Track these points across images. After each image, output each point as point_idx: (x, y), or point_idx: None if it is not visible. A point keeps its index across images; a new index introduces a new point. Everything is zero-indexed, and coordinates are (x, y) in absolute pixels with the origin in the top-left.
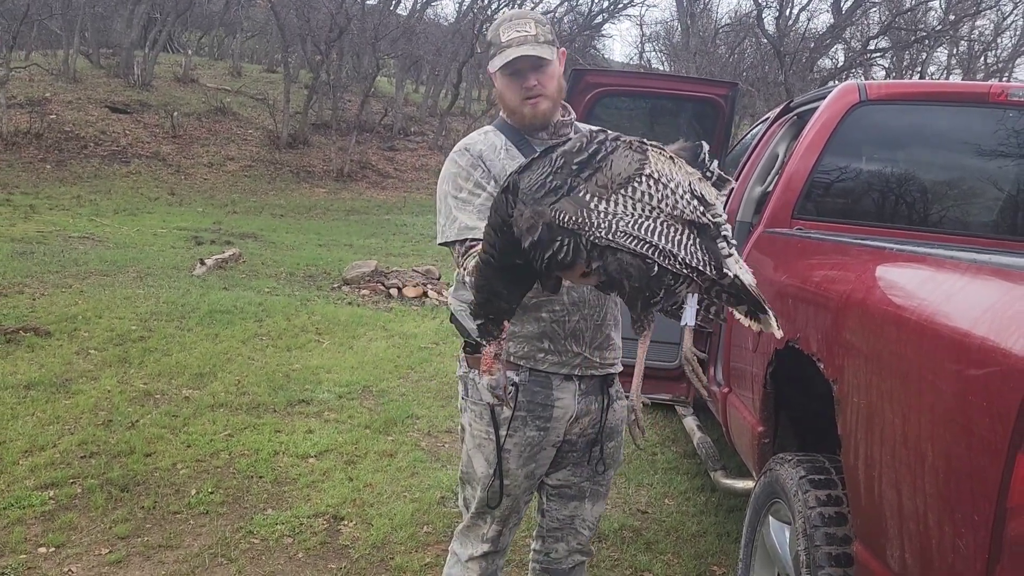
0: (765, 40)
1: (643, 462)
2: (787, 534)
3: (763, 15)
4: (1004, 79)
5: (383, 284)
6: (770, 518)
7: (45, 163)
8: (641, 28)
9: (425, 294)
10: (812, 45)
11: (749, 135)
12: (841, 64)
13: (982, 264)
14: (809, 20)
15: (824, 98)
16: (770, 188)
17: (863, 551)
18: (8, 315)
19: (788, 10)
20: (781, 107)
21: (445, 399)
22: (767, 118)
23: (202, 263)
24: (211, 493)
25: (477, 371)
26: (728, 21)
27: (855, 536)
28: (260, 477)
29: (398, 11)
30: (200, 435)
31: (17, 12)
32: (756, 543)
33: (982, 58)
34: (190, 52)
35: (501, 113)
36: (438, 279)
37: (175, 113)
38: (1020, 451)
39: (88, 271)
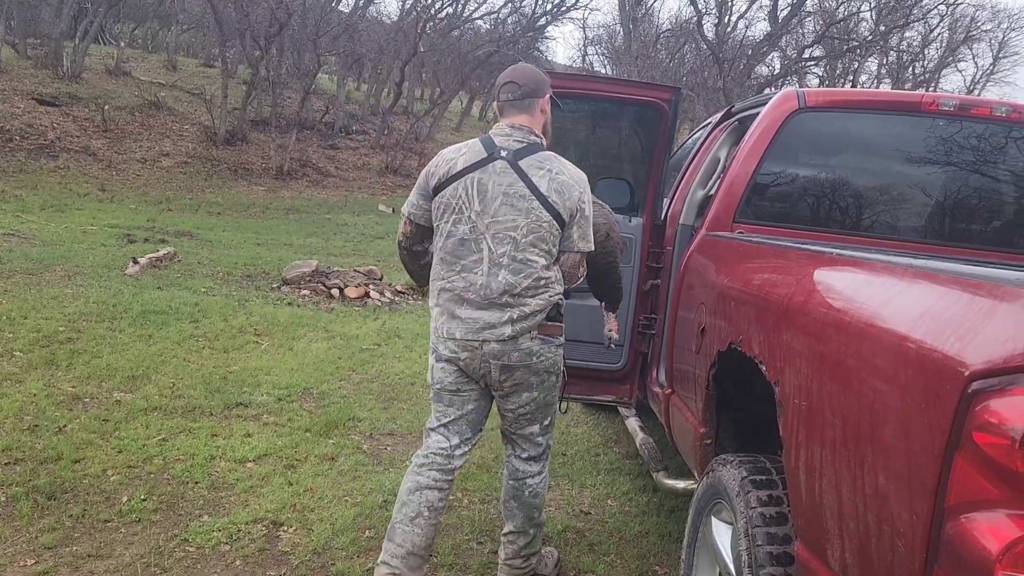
0: (705, 46)
1: (586, 463)
2: (729, 534)
3: (703, 22)
4: (931, 89)
5: (324, 284)
6: (712, 518)
7: None
8: (584, 31)
9: (367, 294)
10: (750, 52)
11: (691, 139)
12: (777, 71)
13: (918, 269)
14: (747, 28)
15: (764, 104)
16: (712, 192)
17: (804, 550)
18: None
19: (727, 17)
20: (722, 112)
21: (387, 400)
22: (709, 123)
23: (135, 262)
24: (144, 500)
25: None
26: (669, 27)
27: (796, 536)
28: (196, 483)
29: (340, 8)
30: (132, 440)
31: None
32: (698, 543)
33: (910, 68)
34: (123, 44)
35: (542, 139)
36: (380, 279)
37: (106, 107)
38: (958, 452)
39: (12, 270)
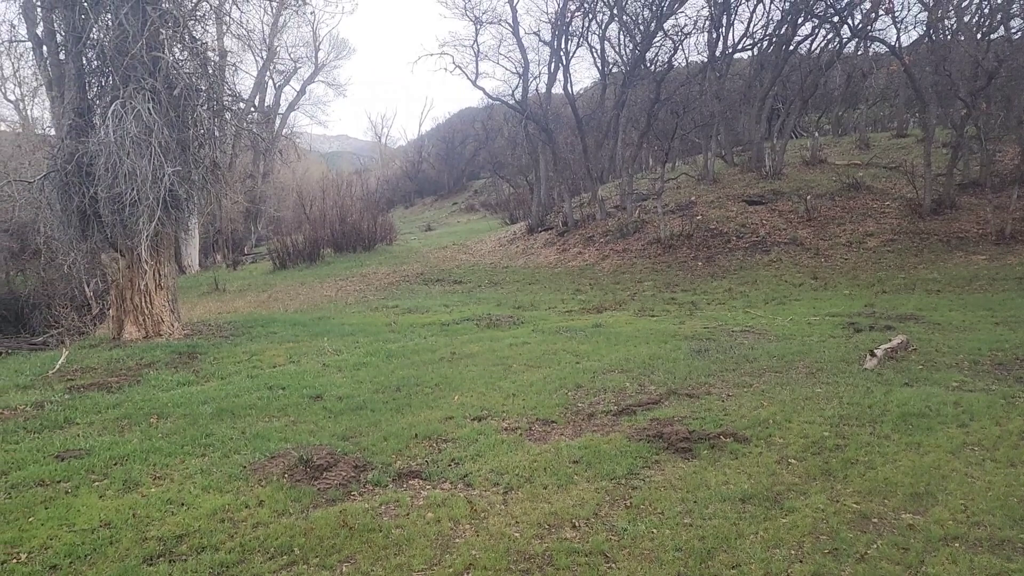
0: None
1: None
2: None
3: None
4: None
5: None
6: None
7: (696, 260)
8: None
9: None
10: None
11: None
12: None
13: None
14: None
15: None
16: None
17: None
18: (705, 418)
19: None
20: None
21: None
22: None
23: (872, 355)
24: None
25: None
26: None
27: None
28: None
29: None
30: None
31: (667, 133)
32: None
33: None
34: (816, 134)
35: None
36: None
37: (807, 196)
38: None
39: (760, 368)
